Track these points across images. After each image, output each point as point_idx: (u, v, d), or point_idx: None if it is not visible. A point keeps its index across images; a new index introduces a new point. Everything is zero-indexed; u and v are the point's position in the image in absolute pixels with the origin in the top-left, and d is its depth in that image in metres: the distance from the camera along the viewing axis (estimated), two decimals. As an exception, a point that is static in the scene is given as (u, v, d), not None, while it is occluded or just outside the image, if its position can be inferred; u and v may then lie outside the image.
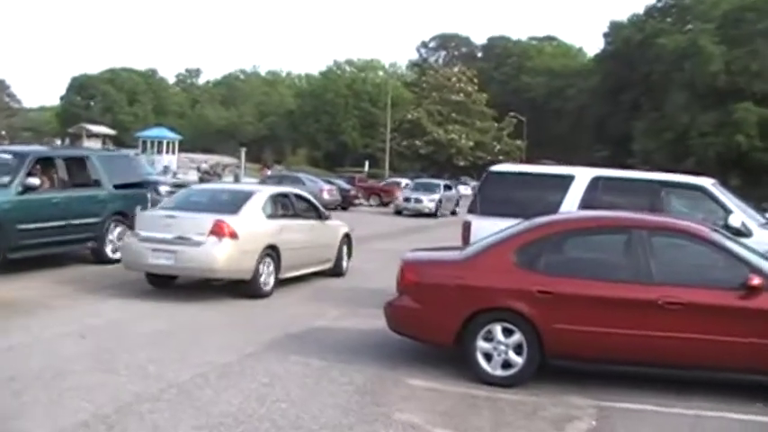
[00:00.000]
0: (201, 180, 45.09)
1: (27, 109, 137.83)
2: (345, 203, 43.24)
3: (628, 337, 8.44)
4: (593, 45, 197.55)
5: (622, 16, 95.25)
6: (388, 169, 79.50)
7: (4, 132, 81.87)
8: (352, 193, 46.39)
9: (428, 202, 42.08)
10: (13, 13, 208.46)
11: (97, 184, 16.45)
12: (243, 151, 58.33)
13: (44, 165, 15.57)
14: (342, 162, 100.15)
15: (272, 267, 13.84)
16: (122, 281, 14.15)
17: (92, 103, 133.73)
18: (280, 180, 38.61)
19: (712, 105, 65.74)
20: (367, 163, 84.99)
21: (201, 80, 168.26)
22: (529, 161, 19.00)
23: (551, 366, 8.72)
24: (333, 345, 10.21)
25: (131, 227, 14.31)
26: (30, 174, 14.63)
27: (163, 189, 27.24)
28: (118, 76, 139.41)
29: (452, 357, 9.23)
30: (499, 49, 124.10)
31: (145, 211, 14.82)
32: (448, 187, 48.05)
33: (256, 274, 13.35)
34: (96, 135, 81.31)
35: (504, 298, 8.69)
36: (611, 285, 8.61)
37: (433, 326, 9.00)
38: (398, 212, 42.81)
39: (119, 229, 16.35)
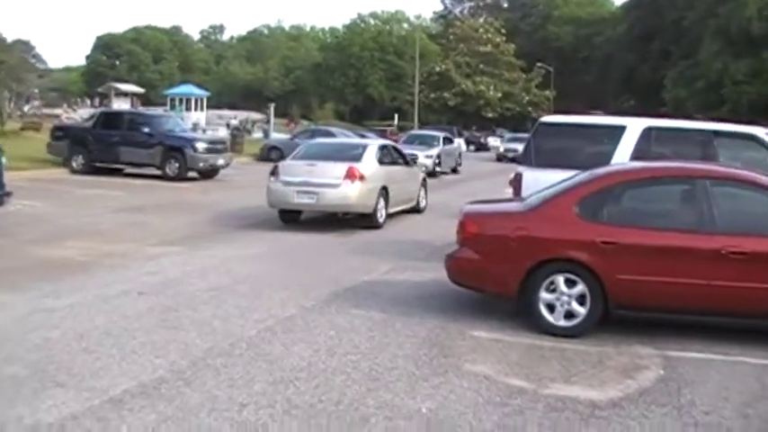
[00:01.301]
0: (233, 136, 45.15)
1: (52, 69, 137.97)
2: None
3: (691, 286, 8.42)
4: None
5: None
6: (417, 122, 79.12)
7: (37, 91, 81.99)
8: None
9: (424, 158, 34.92)
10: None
11: None
12: (272, 107, 58.16)
13: None
14: (369, 116, 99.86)
15: (383, 203, 17.43)
16: (175, 237, 14.31)
17: (117, 63, 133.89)
18: (312, 134, 38.48)
19: (746, 53, 64.64)
20: (396, 116, 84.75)
21: (226, 36, 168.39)
22: (557, 112, 18.93)
23: (614, 316, 8.74)
24: (391, 298, 10.27)
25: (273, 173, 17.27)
26: None
27: (200, 146, 27.30)
28: (142, 34, 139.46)
29: (511, 308, 9.28)
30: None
31: (286, 161, 18.18)
32: (448, 140, 42.10)
33: (375, 208, 17.09)
34: (125, 94, 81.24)
35: (566, 249, 8.70)
36: (674, 235, 8.59)
37: (495, 277, 9.03)
38: None
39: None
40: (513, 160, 42.11)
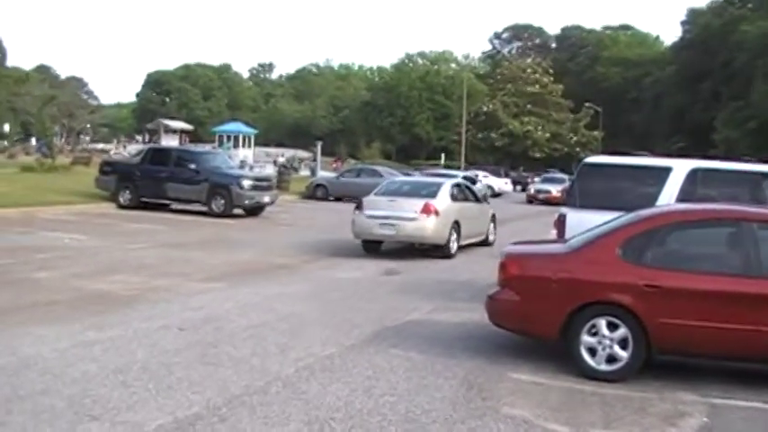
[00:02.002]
0: (280, 173, 45.44)
1: (104, 105, 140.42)
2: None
3: (736, 332, 8.24)
4: (669, 33, 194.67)
5: (701, 3, 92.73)
6: (464, 162, 79.10)
7: (89, 126, 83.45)
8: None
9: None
10: (88, 12, 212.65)
11: None
12: (319, 145, 58.47)
13: None
14: (416, 155, 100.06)
15: (455, 236, 19.34)
16: (219, 273, 14.38)
17: (167, 99, 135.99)
18: (358, 173, 38.64)
19: (797, 94, 63.94)
20: (443, 155, 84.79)
21: (275, 75, 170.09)
22: (606, 153, 18.94)
23: (657, 361, 8.58)
24: (431, 338, 10.19)
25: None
26: None
27: (246, 183, 27.48)
28: (192, 71, 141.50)
29: (551, 351, 9.16)
30: (573, 39, 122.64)
31: (369, 196, 19.90)
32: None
33: (448, 240, 19.01)
34: (174, 130, 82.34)
35: (609, 291, 8.57)
36: (719, 279, 8.43)
37: (536, 319, 8.92)
38: None
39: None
40: (546, 202, 43.00)
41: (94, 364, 8.20)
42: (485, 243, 21.68)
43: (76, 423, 6.41)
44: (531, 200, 49.55)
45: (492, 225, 22.61)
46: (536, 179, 61.76)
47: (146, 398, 7.19)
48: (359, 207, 19.42)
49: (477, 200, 22.18)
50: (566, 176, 50.87)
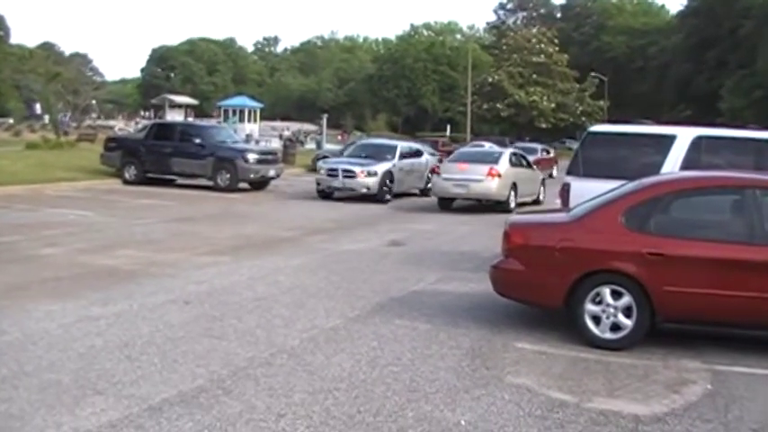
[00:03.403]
0: (285, 147, 45.39)
1: (109, 82, 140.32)
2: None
3: (739, 299, 8.23)
4: (675, 1, 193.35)
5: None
6: (470, 132, 78.90)
7: (94, 102, 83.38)
8: (437, 157, 45.30)
9: (363, 177, 25.69)
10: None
11: None
12: (324, 118, 58.30)
13: None
14: (422, 127, 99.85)
15: (513, 194, 24.32)
16: (224, 247, 14.41)
17: (172, 75, 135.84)
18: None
19: (805, 61, 63.64)
20: (449, 127, 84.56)
21: (279, 48, 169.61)
22: (611, 122, 19.31)
23: (661, 329, 8.58)
24: (437, 308, 10.22)
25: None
26: None
27: (251, 157, 27.47)
28: (197, 46, 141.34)
29: (555, 320, 9.17)
30: (578, 8, 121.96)
31: (444, 164, 25.56)
32: (413, 154, 29.34)
33: (508, 197, 24.09)
34: (179, 105, 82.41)
35: (613, 260, 8.56)
36: (723, 246, 8.41)
37: (540, 288, 8.92)
38: None
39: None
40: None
41: (100, 338, 8.22)
42: (536, 202, 26.34)
43: (81, 398, 6.43)
44: None
45: (542, 187, 27.59)
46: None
47: (150, 372, 7.21)
48: (435, 171, 25.37)
49: (529, 166, 27.09)
50: (538, 146, 47.96)
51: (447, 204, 24.44)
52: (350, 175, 25.76)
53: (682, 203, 8.96)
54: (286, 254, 14.33)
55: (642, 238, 8.52)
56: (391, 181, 26.37)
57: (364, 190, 25.69)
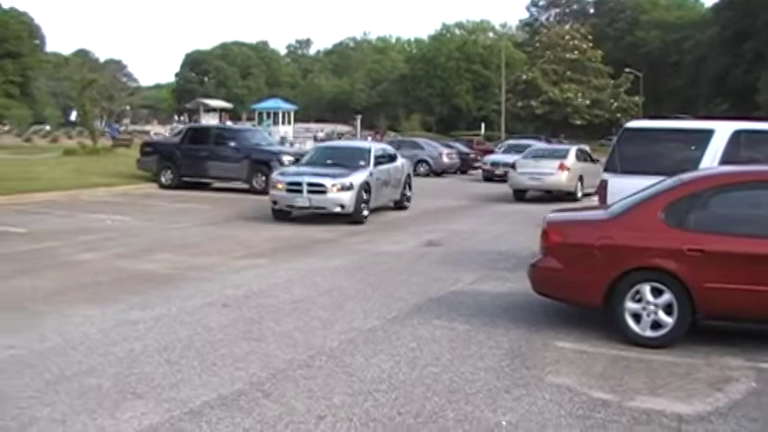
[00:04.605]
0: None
1: (144, 87, 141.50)
2: (465, 167, 42.86)
3: (782, 295, 8.10)
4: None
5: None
6: (504, 131, 78.61)
7: (129, 108, 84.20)
8: (472, 156, 44.92)
9: (335, 191, 19.21)
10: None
11: None
12: (358, 119, 58.40)
13: None
14: (456, 126, 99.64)
15: (580, 186, 27.30)
16: (261, 250, 14.44)
17: (206, 79, 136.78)
18: (398, 146, 38.50)
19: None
20: (483, 125, 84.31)
21: (312, 50, 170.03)
22: (647, 117, 19.44)
23: (702, 327, 8.47)
24: (475, 308, 10.17)
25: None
26: None
27: (286, 159, 27.50)
28: (230, 50, 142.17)
29: (595, 318, 9.08)
30: (612, 3, 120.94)
31: (519, 159, 29.05)
32: (389, 158, 23.21)
33: (576, 188, 27.17)
34: (213, 109, 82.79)
35: (652, 257, 8.45)
36: (764, 242, 8.25)
37: (579, 287, 8.84)
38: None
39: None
40: (504, 179, 30.86)
41: (139, 342, 8.26)
42: (573, 199, 27.57)
43: (122, 402, 6.47)
44: (488, 178, 37.23)
45: (580, 183, 28.66)
46: (497, 148, 47.01)
47: (190, 375, 7.23)
48: (513, 167, 28.53)
49: (593, 161, 29.52)
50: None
51: (521, 196, 27.78)
52: (318, 189, 19.14)
53: (721, 199, 8.81)
54: (323, 256, 14.34)
55: (682, 234, 8.41)
56: (368, 193, 20.13)
57: (337, 209, 19.10)
